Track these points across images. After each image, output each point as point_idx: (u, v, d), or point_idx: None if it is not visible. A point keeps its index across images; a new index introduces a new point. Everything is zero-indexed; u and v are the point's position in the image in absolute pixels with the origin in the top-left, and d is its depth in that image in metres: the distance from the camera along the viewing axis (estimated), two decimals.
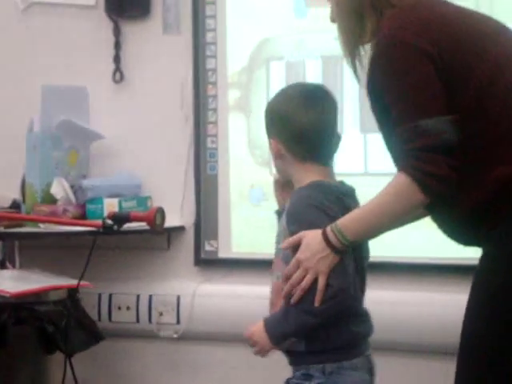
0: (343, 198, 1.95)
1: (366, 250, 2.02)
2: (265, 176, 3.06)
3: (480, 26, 1.95)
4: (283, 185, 2.08)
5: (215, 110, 3.18)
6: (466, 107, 1.84)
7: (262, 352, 1.96)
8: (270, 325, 1.93)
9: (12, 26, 3.40)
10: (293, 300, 1.88)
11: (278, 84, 3.09)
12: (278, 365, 2.03)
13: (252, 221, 3.14)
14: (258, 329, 1.95)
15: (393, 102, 1.85)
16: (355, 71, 2.00)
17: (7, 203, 3.26)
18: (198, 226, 3.20)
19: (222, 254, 3.19)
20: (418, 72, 1.83)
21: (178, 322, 3.19)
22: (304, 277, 1.88)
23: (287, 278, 1.90)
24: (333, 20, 2.02)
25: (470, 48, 1.88)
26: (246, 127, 3.16)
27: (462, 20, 1.93)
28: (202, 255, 3.21)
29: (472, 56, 1.87)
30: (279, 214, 2.06)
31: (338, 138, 2.01)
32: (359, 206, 1.99)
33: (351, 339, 1.92)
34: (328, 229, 1.87)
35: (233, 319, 3.05)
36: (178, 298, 3.19)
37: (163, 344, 3.23)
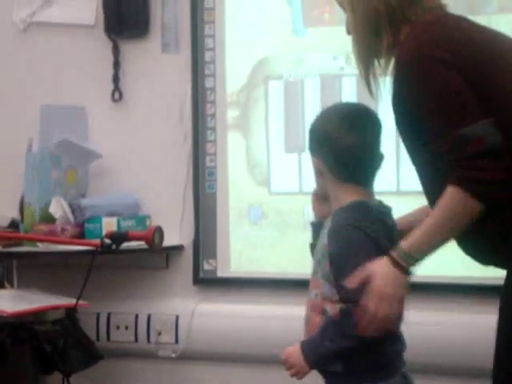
0: (383, 218, 1.97)
1: None
2: (263, 195, 3.07)
3: (497, 38, 1.97)
4: (321, 198, 2.07)
5: (214, 128, 3.18)
6: (495, 112, 1.83)
7: (300, 374, 1.95)
8: (307, 347, 1.92)
9: (11, 46, 3.41)
10: (364, 331, 1.86)
11: (276, 103, 3.11)
12: None
13: (251, 239, 3.13)
14: (294, 351, 1.94)
15: (426, 117, 1.85)
16: (369, 85, 2.00)
17: (6, 222, 3.26)
18: (196, 244, 3.19)
19: (220, 273, 3.18)
20: (446, 83, 1.83)
21: (177, 341, 3.18)
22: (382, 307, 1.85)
23: (372, 316, 1.85)
24: (348, 32, 2.03)
25: (491, 58, 1.90)
26: (244, 146, 3.16)
27: (481, 34, 1.96)
28: (201, 274, 3.20)
29: (493, 65, 1.88)
30: (314, 225, 2.07)
31: (381, 158, 2.01)
32: (396, 225, 1.99)
33: (388, 358, 1.93)
34: (394, 253, 1.85)
35: (232, 338, 3.04)
36: (177, 318, 3.18)
37: (162, 363, 3.22)
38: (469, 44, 1.90)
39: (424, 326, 2.82)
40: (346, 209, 1.94)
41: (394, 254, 1.86)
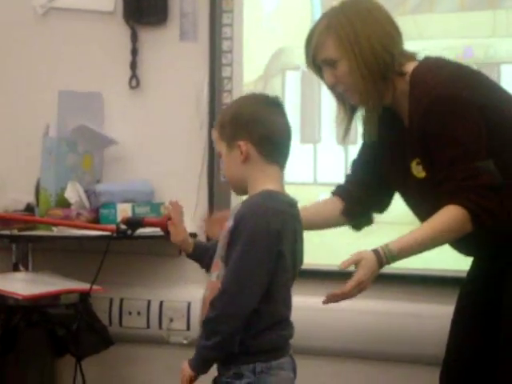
0: (289, 209, 2.02)
1: (301, 257, 2.09)
2: None
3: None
4: (213, 221, 2.26)
5: None
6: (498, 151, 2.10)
7: (185, 379, 2.01)
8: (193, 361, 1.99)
9: (30, 31, 3.42)
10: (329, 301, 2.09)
11: (293, 93, 3.11)
12: None
13: None
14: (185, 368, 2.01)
15: (449, 146, 2.08)
16: (349, 130, 2.29)
17: (21, 206, 3.29)
18: None
19: None
20: (472, 121, 2.08)
21: (189, 328, 3.20)
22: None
23: (346, 294, 2.08)
24: (333, 86, 2.22)
25: (501, 96, 2.20)
26: None
27: (484, 76, 2.24)
28: None
29: (504, 103, 2.17)
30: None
31: None
32: (301, 216, 2.08)
33: (280, 341, 2.00)
34: (381, 252, 2.08)
35: None
36: (189, 305, 3.20)
37: (173, 350, 3.24)
38: (482, 83, 2.19)
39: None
40: (256, 196, 2.00)
41: (381, 252, 2.07)
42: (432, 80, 2.13)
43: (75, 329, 2.82)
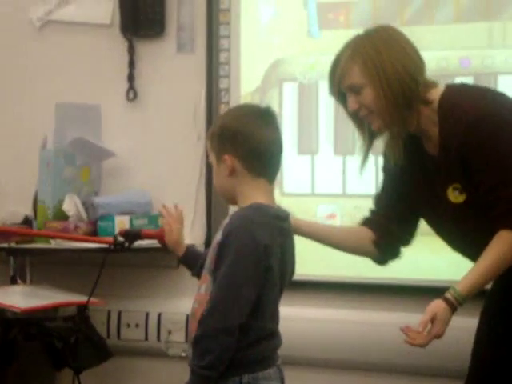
0: (278, 223, 2.01)
1: (292, 270, 2.09)
2: (276, 195, 3.04)
3: None
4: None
5: None
6: None
7: None
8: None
9: (28, 44, 3.43)
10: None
11: (290, 104, 3.12)
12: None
13: None
14: None
15: (496, 167, 2.08)
16: (367, 157, 2.27)
17: (19, 219, 3.28)
18: (208, 244, 3.20)
19: None
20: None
21: (187, 340, 3.19)
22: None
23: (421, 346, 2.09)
24: (355, 112, 2.22)
25: None
26: None
27: (507, 95, 2.25)
28: None
29: None
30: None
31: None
32: (292, 229, 2.09)
33: (266, 353, 2.00)
34: (451, 298, 2.08)
35: None
36: (187, 317, 3.19)
37: (171, 362, 3.23)
38: (508, 101, 2.22)
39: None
40: (244, 210, 1.99)
41: (451, 297, 2.08)
42: (465, 103, 2.13)
43: (73, 342, 2.82)
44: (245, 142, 1.99)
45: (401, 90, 2.14)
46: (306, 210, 3.06)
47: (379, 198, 2.42)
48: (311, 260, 2.78)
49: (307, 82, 3.09)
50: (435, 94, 2.18)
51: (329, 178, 3.06)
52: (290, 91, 3.12)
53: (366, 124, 2.24)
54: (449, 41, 2.86)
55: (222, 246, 1.95)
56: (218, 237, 1.99)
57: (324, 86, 3.04)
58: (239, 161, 2.00)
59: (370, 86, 2.16)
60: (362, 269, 2.92)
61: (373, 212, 2.42)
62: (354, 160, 2.76)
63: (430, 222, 2.33)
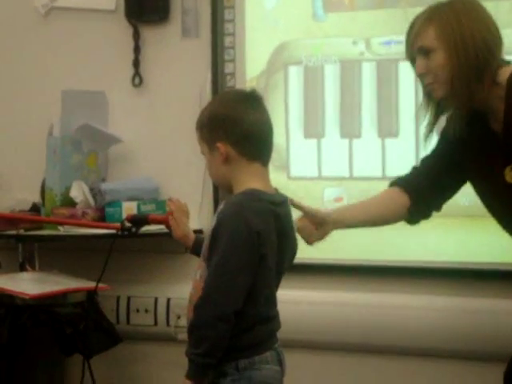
0: (273, 208, 1.99)
1: (291, 255, 2.09)
2: (282, 179, 3.07)
3: None
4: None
5: None
6: None
7: None
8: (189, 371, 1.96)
9: (33, 31, 3.43)
10: None
11: (296, 88, 3.11)
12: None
13: None
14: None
15: None
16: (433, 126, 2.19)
17: (27, 206, 3.30)
18: None
19: None
20: None
21: None
22: None
23: None
24: (421, 76, 2.14)
25: None
26: None
27: None
28: None
29: None
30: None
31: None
32: (290, 214, 2.08)
33: (262, 337, 2.00)
34: None
35: None
36: None
37: (181, 347, 3.17)
38: None
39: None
40: (238, 196, 1.98)
41: None
42: None
43: (83, 327, 2.83)
44: (236, 126, 1.99)
45: (476, 60, 2.07)
46: (313, 193, 3.06)
47: (427, 158, 2.36)
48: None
49: (312, 65, 3.08)
50: (506, 72, 2.11)
51: (335, 161, 3.06)
52: (295, 75, 3.11)
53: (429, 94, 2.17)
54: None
55: (215, 232, 1.95)
56: (212, 223, 1.99)
57: (329, 69, 3.07)
58: (232, 146, 1.99)
59: (443, 51, 2.10)
60: (367, 251, 2.94)
61: (414, 170, 2.38)
62: (360, 143, 2.76)
63: (482, 197, 2.28)
